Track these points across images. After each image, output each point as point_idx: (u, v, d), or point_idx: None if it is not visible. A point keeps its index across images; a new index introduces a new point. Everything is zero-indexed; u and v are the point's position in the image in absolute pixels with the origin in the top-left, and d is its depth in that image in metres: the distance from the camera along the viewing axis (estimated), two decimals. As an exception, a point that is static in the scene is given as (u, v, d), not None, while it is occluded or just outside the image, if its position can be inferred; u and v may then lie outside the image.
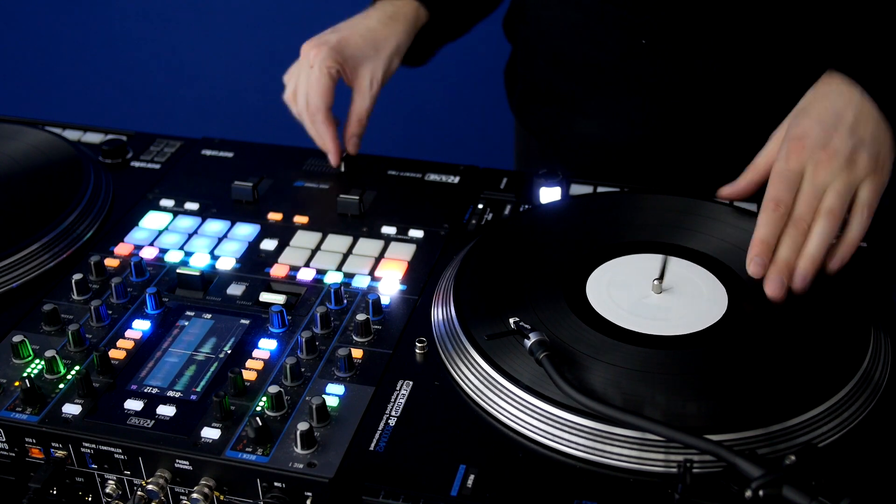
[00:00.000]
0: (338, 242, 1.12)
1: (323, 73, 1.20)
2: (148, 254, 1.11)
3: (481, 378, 0.90)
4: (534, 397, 0.86)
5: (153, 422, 0.88)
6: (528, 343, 0.88)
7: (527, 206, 1.18)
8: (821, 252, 0.96)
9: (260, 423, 0.85)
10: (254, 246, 1.12)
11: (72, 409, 0.90)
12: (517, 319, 0.92)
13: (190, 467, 0.85)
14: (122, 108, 2.62)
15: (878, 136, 1.00)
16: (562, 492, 0.81)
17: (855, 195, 0.98)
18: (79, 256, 1.11)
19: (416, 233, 1.14)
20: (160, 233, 1.15)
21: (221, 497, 0.86)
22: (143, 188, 1.24)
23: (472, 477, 0.82)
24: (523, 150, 1.55)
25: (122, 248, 1.12)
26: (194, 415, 0.89)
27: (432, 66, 1.41)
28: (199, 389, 0.92)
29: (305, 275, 1.07)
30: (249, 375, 0.93)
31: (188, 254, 1.11)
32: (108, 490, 0.89)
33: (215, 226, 1.16)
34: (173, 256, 1.11)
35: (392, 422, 0.88)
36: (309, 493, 0.83)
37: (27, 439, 0.89)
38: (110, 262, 1.09)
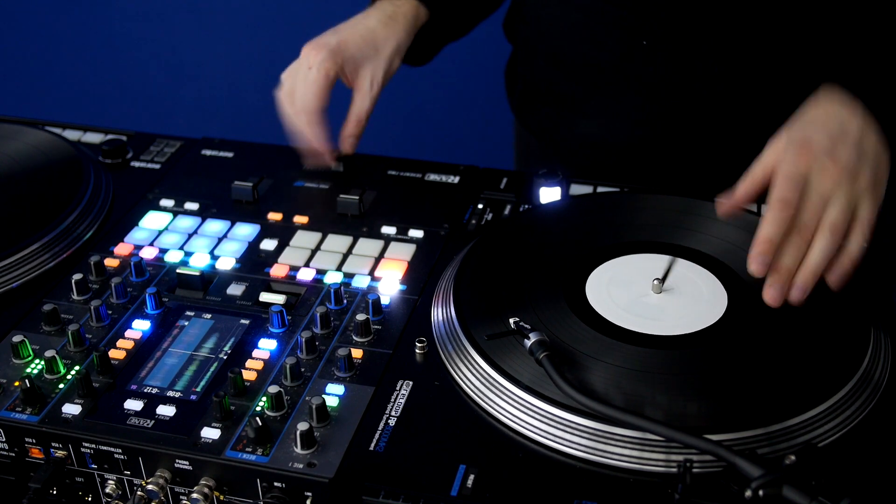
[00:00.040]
0: (338, 242, 1.12)
1: (321, 75, 1.19)
2: (148, 254, 1.11)
3: (481, 378, 0.90)
4: (534, 397, 0.86)
5: (153, 422, 0.88)
6: (528, 343, 0.88)
7: (527, 206, 1.18)
8: (822, 267, 0.95)
9: (260, 423, 0.85)
10: (254, 246, 1.12)
11: (72, 409, 0.90)
12: (517, 319, 0.92)
13: (190, 467, 0.85)
14: (122, 108, 2.62)
15: (878, 153, 1.00)
16: (562, 492, 0.81)
17: (854, 211, 0.98)
18: (79, 256, 1.11)
19: (416, 233, 1.14)
20: (160, 233, 1.15)
21: (221, 497, 0.86)
22: (143, 188, 1.24)
23: (472, 477, 0.82)
24: (523, 150, 1.55)
25: (122, 248, 1.12)
26: (194, 415, 0.89)
27: (432, 66, 1.41)
28: (198, 389, 0.92)
29: (305, 275, 1.07)
30: (249, 375, 0.93)
31: (188, 254, 1.11)
32: (108, 490, 0.89)
33: (215, 226, 1.16)
34: (173, 256, 1.11)
35: (392, 422, 0.88)
36: (309, 493, 0.83)
37: (27, 439, 0.89)
38: (110, 262, 1.09)
